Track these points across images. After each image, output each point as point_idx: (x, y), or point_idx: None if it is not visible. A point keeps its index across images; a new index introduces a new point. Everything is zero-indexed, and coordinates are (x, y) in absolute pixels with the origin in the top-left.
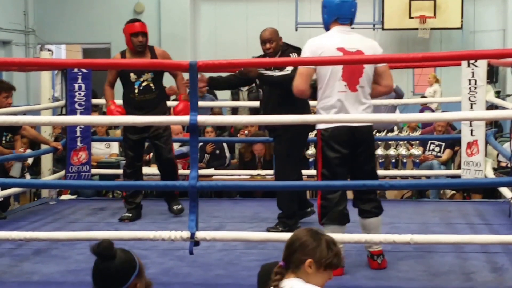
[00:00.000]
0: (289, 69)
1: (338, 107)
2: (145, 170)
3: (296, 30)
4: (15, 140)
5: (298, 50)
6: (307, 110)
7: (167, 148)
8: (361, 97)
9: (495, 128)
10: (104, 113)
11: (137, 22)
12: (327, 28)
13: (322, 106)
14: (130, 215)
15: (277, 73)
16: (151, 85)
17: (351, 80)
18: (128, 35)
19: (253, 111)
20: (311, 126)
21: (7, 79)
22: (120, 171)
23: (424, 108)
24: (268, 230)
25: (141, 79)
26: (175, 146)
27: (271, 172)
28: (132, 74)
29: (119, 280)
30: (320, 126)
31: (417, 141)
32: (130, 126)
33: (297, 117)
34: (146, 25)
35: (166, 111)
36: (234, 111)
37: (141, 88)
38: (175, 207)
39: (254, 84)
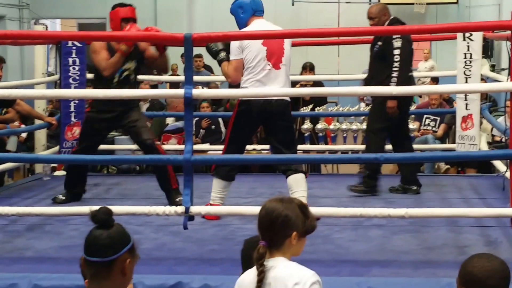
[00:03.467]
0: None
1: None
2: None
3: (293, 4)
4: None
5: (404, 24)
6: None
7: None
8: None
9: (490, 102)
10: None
11: (129, 6)
12: (245, 26)
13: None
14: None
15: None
16: (132, 76)
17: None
18: (118, 20)
19: None
20: None
21: (1, 54)
22: (115, 146)
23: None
24: (350, 189)
25: (124, 67)
26: (170, 120)
27: (266, 147)
28: None
29: (112, 249)
30: None
31: (412, 116)
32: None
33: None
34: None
35: (141, 112)
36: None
37: (121, 78)
38: (178, 199)
39: None
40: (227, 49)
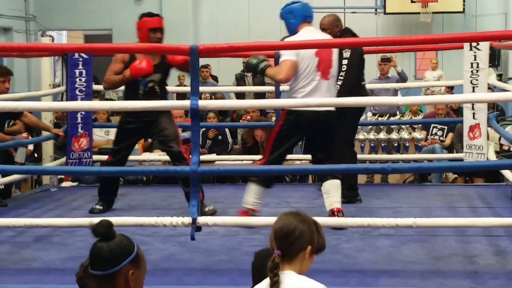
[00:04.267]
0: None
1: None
2: (147, 156)
3: None
4: (15, 124)
5: (355, 35)
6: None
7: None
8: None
9: (497, 111)
10: (106, 99)
11: (156, 16)
12: (295, 32)
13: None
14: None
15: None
16: (156, 87)
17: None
18: (145, 30)
19: (258, 96)
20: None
21: (8, 66)
22: None
23: None
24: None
25: (148, 79)
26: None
27: None
28: None
29: (112, 262)
30: None
31: (420, 125)
32: (131, 120)
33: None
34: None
35: (171, 119)
36: (239, 96)
37: (146, 89)
38: (206, 209)
39: None
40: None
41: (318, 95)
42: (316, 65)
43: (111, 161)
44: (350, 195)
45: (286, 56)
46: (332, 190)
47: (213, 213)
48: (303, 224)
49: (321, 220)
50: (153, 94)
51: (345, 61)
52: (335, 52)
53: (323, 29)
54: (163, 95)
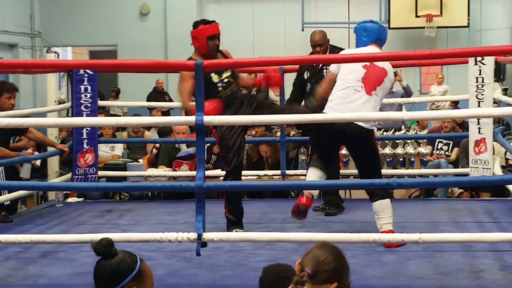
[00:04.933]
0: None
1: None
2: (152, 171)
3: (303, 30)
4: (21, 140)
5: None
6: None
7: None
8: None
9: (503, 126)
10: (111, 115)
11: (213, 22)
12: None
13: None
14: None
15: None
16: (231, 79)
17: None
18: (204, 38)
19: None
20: None
21: (14, 82)
22: (127, 173)
23: None
24: (326, 214)
25: (222, 77)
26: (182, 147)
27: (278, 172)
28: (213, 75)
29: (113, 280)
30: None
31: (425, 140)
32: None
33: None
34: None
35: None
36: None
37: (224, 85)
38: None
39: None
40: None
41: (350, 106)
42: (361, 77)
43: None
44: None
45: (330, 68)
46: (380, 212)
47: None
48: (341, 261)
49: (326, 236)
50: (230, 85)
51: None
52: (388, 72)
53: (319, 44)
54: (237, 84)
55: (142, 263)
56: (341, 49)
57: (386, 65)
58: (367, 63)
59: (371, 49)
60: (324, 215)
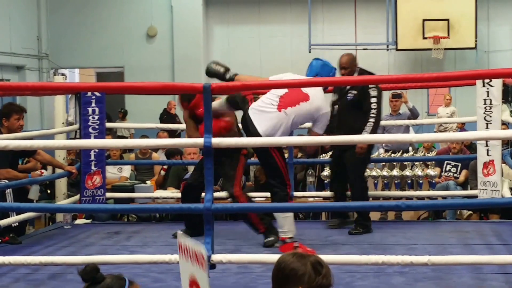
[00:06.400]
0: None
1: None
2: (160, 193)
3: (309, 52)
4: (29, 162)
5: (372, 74)
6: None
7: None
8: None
9: (511, 148)
10: (118, 137)
11: None
12: None
13: None
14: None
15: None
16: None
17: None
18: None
19: None
20: None
21: (21, 104)
22: (135, 195)
23: None
24: (349, 233)
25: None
26: (190, 168)
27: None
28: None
29: None
30: None
31: (433, 162)
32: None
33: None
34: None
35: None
36: None
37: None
38: (266, 240)
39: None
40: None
41: (261, 114)
42: (281, 94)
43: None
44: (369, 224)
45: None
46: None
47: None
48: (294, 264)
49: (334, 257)
50: None
51: (373, 99)
52: (310, 98)
53: (343, 67)
54: None
55: (131, 285)
56: (370, 73)
57: (313, 93)
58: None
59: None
60: (348, 233)
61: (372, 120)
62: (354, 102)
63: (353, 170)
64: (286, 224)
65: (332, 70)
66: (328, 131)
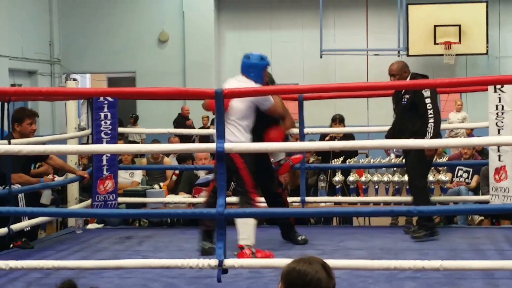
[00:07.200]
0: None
1: None
2: (172, 198)
3: (321, 57)
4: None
5: (426, 77)
6: None
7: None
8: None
9: None
10: (130, 142)
11: None
12: None
13: None
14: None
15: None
16: None
17: None
18: None
19: None
20: None
21: (33, 108)
22: (147, 199)
23: None
24: (412, 236)
25: None
26: (201, 173)
27: (297, 199)
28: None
29: None
30: None
31: (445, 167)
32: None
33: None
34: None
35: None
36: None
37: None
38: (299, 238)
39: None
40: None
41: None
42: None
43: None
44: (431, 225)
45: None
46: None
47: (305, 242)
48: (318, 274)
49: (347, 262)
50: None
51: (428, 100)
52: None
53: (392, 74)
54: None
55: None
56: (424, 76)
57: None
58: None
59: (239, 79)
60: (410, 237)
61: (431, 121)
62: (409, 106)
63: (414, 172)
64: (245, 231)
65: (261, 68)
66: (391, 137)
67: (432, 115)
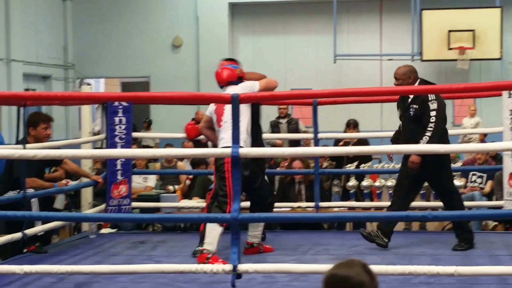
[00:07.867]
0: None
1: None
2: (186, 203)
3: (335, 62)
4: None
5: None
6: None
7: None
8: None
9: None
10: (143, 147)
11: None
12: None
13: None
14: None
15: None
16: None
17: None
18: None
19: (292, 143)
20: None
21: (47, 112)
22: (160, 204)
23: None
24: (454, 249)
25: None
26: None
27: (312, 204)
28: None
29: None
30: None
31: (459, 172)
32: None
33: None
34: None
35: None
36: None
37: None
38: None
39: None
40: None
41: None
42: (213, 110)
43: None
44: (471, 237)
45: None
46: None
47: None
48: (360, 277)
49: None
50: None
51: (433, 113)
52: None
53: (395, 78)
54: None
55: None
56: (430, 83)
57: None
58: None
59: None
60: (452, 249)
61: (428, 134)
62: (416, 116)
63: (442, 186)
64: (210, 236)
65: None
66: (396, 142)
67: (431, 130)
